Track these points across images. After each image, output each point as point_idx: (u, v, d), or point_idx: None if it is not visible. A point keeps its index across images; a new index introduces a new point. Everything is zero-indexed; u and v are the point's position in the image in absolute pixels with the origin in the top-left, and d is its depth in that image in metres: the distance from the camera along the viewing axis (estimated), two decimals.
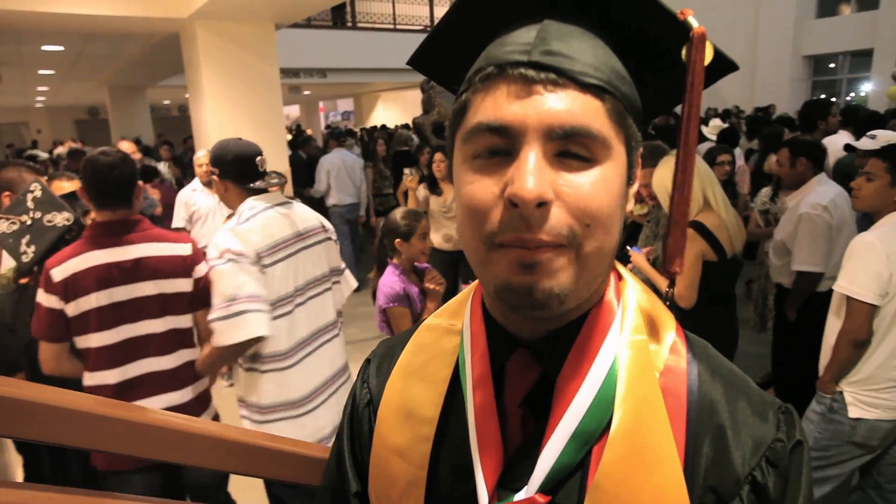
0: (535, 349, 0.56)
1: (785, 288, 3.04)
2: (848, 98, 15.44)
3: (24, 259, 2.02)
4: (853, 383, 2.04)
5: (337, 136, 7.19)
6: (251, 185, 1.99)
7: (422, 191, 4.37)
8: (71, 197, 2.20)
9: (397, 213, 2.49)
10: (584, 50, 0.50)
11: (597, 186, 0.48)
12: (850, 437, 2.04)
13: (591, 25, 0.52)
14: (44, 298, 1.82)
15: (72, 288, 1.79)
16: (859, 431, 2.03)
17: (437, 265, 4.59)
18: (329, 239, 2.14)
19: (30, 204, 2.06)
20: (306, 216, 2.09)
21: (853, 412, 2.03)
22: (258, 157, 1.99)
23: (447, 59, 0.61)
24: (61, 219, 2.06)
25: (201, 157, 4.34)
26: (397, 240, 2.43)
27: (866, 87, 14.80)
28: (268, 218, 1.95)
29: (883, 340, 1.97)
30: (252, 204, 1.97)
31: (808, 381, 2.47)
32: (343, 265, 2.25)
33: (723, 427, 0.53)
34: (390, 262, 2.49)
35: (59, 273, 1.80)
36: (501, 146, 0.49)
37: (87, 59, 8.61)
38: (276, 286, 1.92)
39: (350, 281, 2.30)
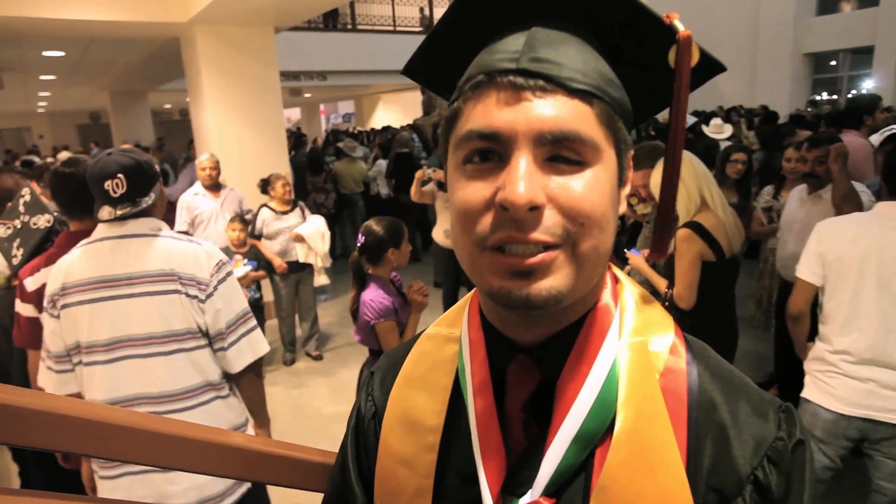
0: (534, 354, 0.56)
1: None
2: (850, 95, 15.40)
3: (14, 262, 2.08)
4: (809, 360, 2.09)
5: None
6: (98, 213, 1.62)
7: (431, 184, 4.39)
8: None
9: (377, 225, 2.38)
10: (571, 55, 0.50)
11: (588, 188, 0.49)
12: (801, 417, 2.06)
13: (578, 31, 0.53)
14: (22, 308, 1.85)
15: (42, 298, 1.77)
16: (805, 414, 2.04)
17: (440, 261, 4.62)
18: (177, 292, 1.60)
19: (21, 208, 2.12)
20: (149, 258, 1.60)
21: (804, 391, 2.07)
22: (108, 181, 1.57)
23: (440, 68, 0.62)
24: (43, 221, 2.10)
25: (204, 160, 4.36)
26: (391, 249, 2.36)
27: (867, 85, 14.75)
28: (86, 251, 1.62)
29: (827, 322, 2.01)
30: (95, 231, 1.67)
31: None
32: (226, 328, 1.67)
33: (724, 427, 0.53)
34: (372, 275, 2.40)
35: (31, 283, 1.82)
36: (493, 151, 0.50)
37: (88, 64, 8.63)
38: (65, 333, 1.61)
39: (245, 351, 1.70)
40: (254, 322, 1.75)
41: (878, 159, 3.80)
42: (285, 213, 4.40)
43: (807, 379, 2.07)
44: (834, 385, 1.96)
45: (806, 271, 2.06)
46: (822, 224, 2.06)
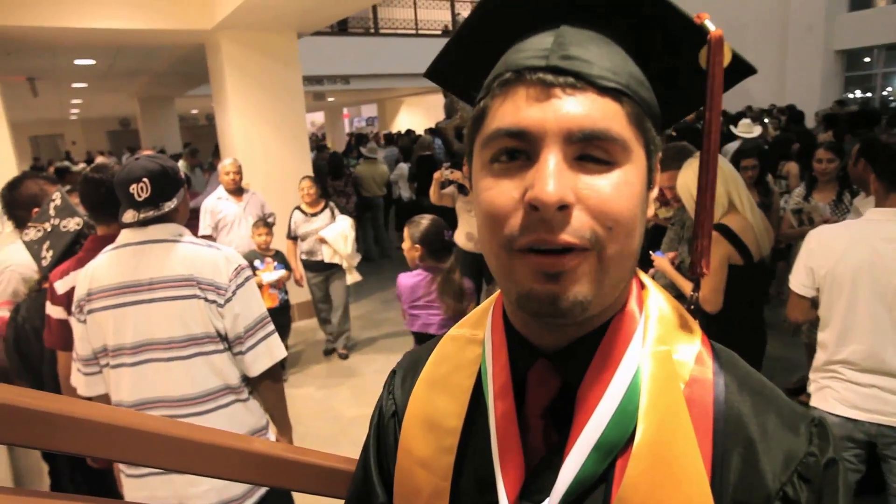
0: (557, 359, 0.55)
1: None
2: (885, 93, 14.97)
3: (44, 263, 2.12)
4: (813, 370, 2.03)
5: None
6: (122, 216, 1.65)
7: (451, 187, 4.41)
8: None
9: (434, 223, 2.70)
10: (601, 55, 0.50)
11: (618, 189, 0.48)
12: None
13: (607, 31, 0.52)
14: (52, 310, 1.89)
15: (72, 300, 1.80)
16: None
17: (463, 265, 4.59)
18: (196, 297, 1.62)
19: (52, 212, 2.17)
20: (169, 263, 1.63)
21: (812, 400, 2.01)
22: (133, 185, 1.61)
23: (464, 70, 0.61)
24: (73, 224, 2.14)
25: (228, 164, 4.42)
26: None
27: None
28: (110, 257, 1.66)
29: (825, 330, 1.96)
30: (119, 237, 1.70)
31: None
32: (244, 332, 1.68)
33: (752, 440, 0.51)
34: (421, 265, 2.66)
35: (61, 286, 1.86)
36: (521, 150, 0.49)
37: (117, 72, 8.84)
38: (92, 338, 1.66)
39: (263, 356, 1.70)
40: (272, 327, 1.76)
41: None
42: (315, 214, 4.50)
43: (811, 388, 2.02)
44: (838, 389, 1.92)
45: (797, 284, 2.01)
46: (812, 235, 1.99)
